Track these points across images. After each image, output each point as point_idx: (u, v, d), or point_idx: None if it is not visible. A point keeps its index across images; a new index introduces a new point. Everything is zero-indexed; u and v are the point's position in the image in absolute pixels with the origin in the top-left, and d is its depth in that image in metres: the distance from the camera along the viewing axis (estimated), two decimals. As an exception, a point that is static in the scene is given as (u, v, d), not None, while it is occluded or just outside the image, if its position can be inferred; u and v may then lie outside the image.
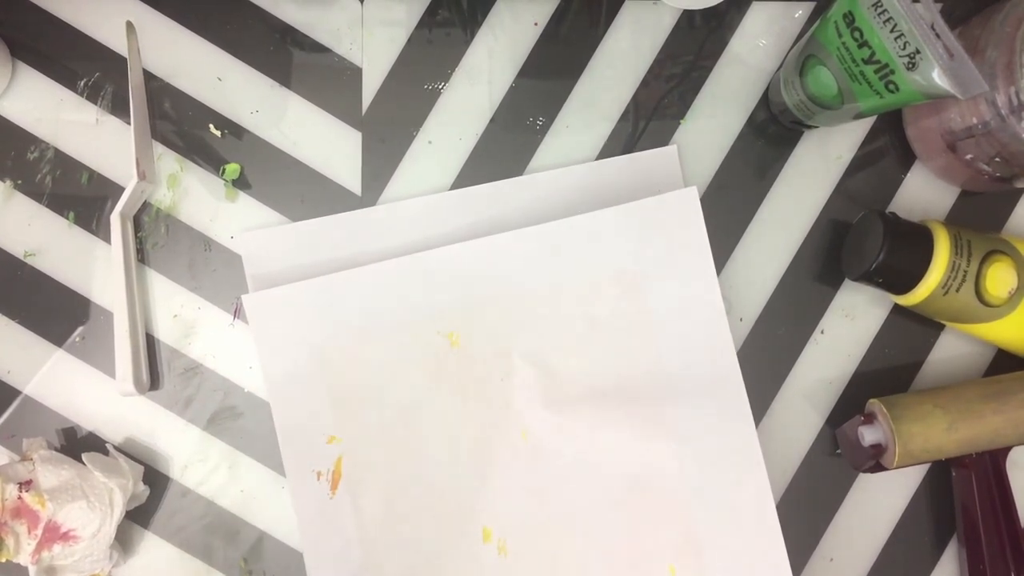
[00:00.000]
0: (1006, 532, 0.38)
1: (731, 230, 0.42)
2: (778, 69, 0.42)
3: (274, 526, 0.40)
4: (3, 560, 0.35)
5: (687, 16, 0.43)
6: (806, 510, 0.41)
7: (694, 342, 0.40)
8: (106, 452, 0.39)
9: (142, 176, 0.40)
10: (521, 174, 0.42)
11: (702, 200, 0.42)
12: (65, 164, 0.41)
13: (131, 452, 0.40)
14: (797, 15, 0.43)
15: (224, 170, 0.41)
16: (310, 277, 0.40)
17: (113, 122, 0.41)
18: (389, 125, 0.42)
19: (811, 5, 0.43)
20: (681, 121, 0.43)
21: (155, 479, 0.40)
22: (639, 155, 0.42)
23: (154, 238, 0.41)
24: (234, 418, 0.41)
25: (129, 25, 0.41)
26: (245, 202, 0.41)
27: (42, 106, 0.41)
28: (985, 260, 0.37)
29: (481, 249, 0.40)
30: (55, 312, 0.40)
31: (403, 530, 0.39)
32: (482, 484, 0.39)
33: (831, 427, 0.42)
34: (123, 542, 0.40)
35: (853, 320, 0.42)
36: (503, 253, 0.40)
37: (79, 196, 0.41)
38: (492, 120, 0.42)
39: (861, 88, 0.34)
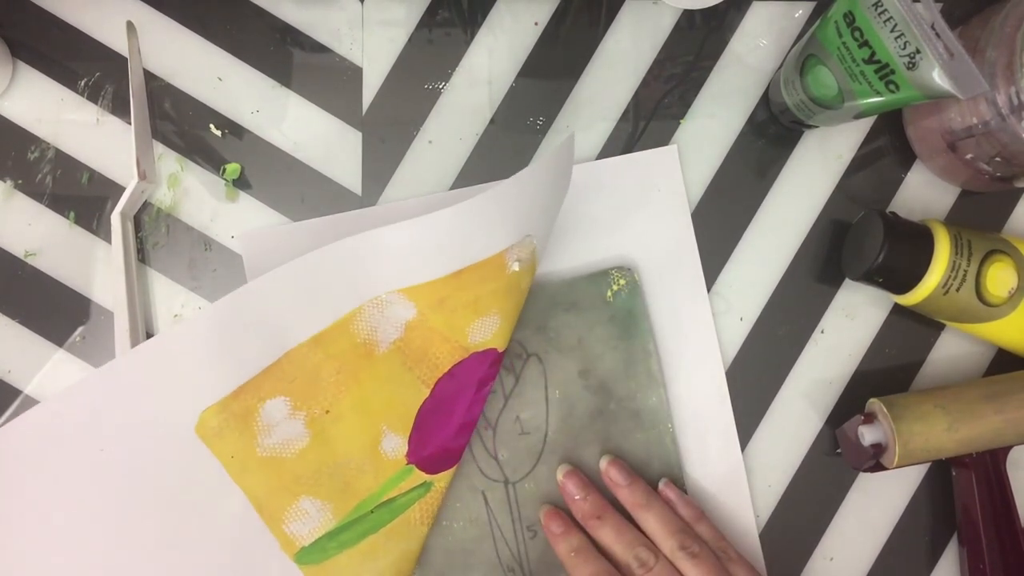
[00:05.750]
0: (1006, 532, 0.38)
1: (731, 230, 0.42)
2: (778, 69, 0.42)
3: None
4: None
5: (687, 16, 0.43)
6: (806, 510, 0.41)
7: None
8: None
9: (142, 176, 0.40)
10: (521, 174, 0.42)
11: (702, 200, 0.42)
12: (65, 164, 0.41)
13: (131, 452, 0.40)
14: (797, 15, 0.43)
15: (224, 170, 0.41)
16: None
17: (113, 122, 0.41)
18: (389, 125, 0.42)
19: (811, 5, 0.43)
20: (681, 121, 0.43)
21: (155, 479, 0.40)
22: (639, 155, 0.42)
23: (154, 238, 0.41)
24: (234, 418, 0.41)
25: (129, 25, 0.41)
26: (245, 202, 0.41)
27: (42, 106, 0.41)
28: (985, 260, 0.37)
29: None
30: (55, 312, 0.40)
31: None
32: None
33: (831, 427, 0.42)
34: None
35: (853, 320, 0.42)
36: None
37: (79, 196, 0.41)
38: (492, 120, 0.42)
39: (861, 88, 0.34)
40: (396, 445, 0.37)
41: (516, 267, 0.36)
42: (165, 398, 0.34)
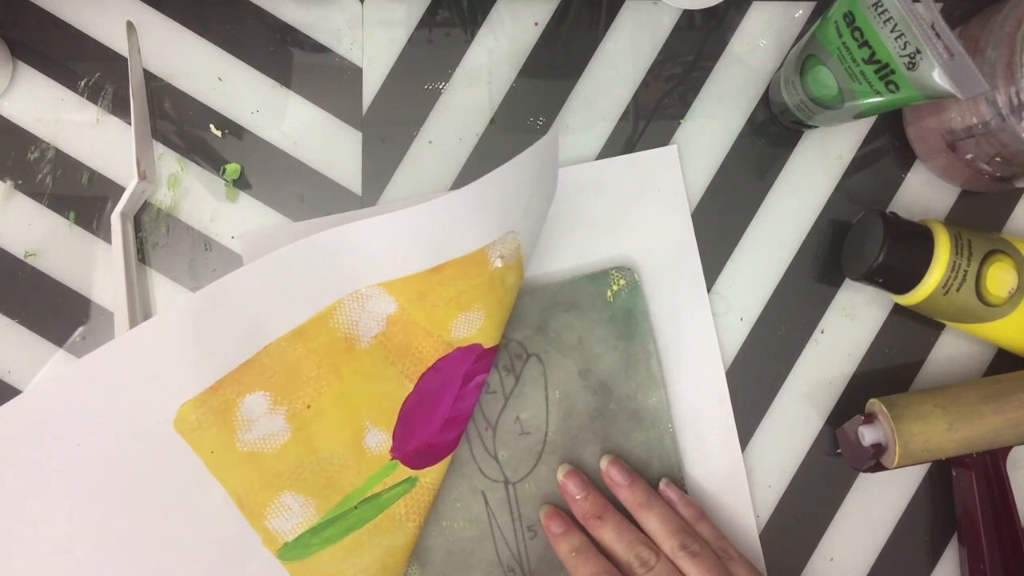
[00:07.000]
0: (1006, 532, 0.38)
1: (731, 230, 0.42)
2: (778, 69, 0.42)
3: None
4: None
5: (687, 16, 0.43)
6: (806, 510, 0.41)
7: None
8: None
9: (143, 176, 0.40)
10: (521, 174, 0.42)
11: (702, 200, 0.42)
12: (65, 164, 0.41)
13: (131, 452, 0.40)
14: (797, 15, 0.43)
15: (224, 170, 0.41)
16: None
17: (113, 122, 0.41)
18: (389, 125, 0.42)
19: (811, 5, 0.43)
20: (681, 121, 0.43)
21: (155, 479, 0.40)
22: (639, 155, 0.42)
23: (155, 238, 0.41)
24: (234, 418, 0.41)
25: (129, 25, 0.41)
26: (245, 202, 0.41)
27: (42, 106, 0.41)
28: (985, 260, 0.37)
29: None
30: (55, 312, 0.40)
31: None
32: None
33: (831, 427, 0.42)
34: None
35: (853, 320, 0.42)
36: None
37: (79, 196, 0.41)
38: (492, 120, 0.42)
39: (861, 88, 0.34)
40: (380, 440, 0.37)
41: (499, 263, 0.36)
42: (142, 392, 0.34)
